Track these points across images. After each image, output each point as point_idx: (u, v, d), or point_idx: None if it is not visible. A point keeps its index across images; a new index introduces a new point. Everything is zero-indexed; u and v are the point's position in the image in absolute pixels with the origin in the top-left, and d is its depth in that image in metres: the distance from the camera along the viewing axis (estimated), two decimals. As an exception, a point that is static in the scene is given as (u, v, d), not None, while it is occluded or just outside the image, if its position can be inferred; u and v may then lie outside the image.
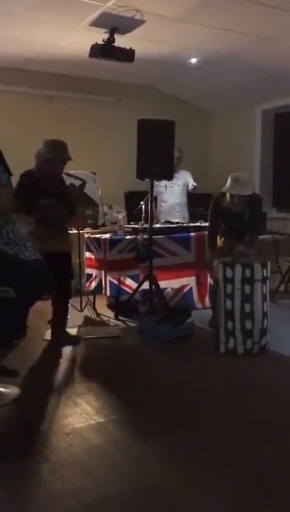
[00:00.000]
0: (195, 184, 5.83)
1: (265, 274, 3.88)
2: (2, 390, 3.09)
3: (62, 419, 2.82)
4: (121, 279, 4.98)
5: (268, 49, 4.94)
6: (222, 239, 4.42)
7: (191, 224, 5.59)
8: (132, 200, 5.77)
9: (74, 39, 4.78)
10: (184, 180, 5.86)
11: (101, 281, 5.04)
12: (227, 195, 4.19)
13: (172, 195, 5.86)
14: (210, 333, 4.16)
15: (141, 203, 5.25)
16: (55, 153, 3.82)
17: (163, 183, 5.59)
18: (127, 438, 2.63)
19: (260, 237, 5.37)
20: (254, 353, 3.84)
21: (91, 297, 5.18)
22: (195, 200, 6.01)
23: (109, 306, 5.23)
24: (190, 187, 5.85)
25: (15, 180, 3.43)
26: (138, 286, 4.84)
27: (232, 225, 4.34)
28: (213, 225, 4.46)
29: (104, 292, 5.07)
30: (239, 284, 3.80)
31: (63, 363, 3.75)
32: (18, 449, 2.46)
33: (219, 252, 4.35)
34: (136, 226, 5.16)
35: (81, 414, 2.89)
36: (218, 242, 4.44)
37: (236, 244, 4.23)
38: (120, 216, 5.17)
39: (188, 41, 4.90)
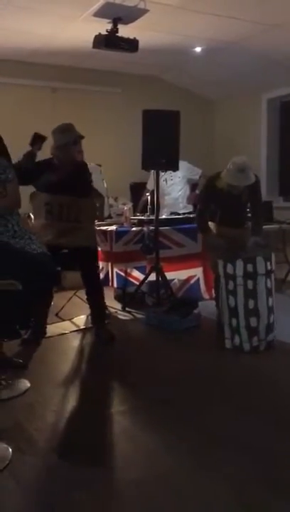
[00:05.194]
0: (196, 178, 5.76)
1: (269, 268, 3.68)
2: (11, 382, 3.11)
3: (70, 410, 2.83)
4: (128, 270, 4.97)
5: (273, 36, 4.87)
6: (215, 225, 4.29)
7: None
8: (138, 191, 5.74)
9: (77, 30, 4.75)
10: (184, 171, 5.71)
11: (108, 273, 5.02)
12: (223, 177, 4.00)
13: (173, 187, 5.81)
14: (217, 324, 4.14)
15: (147, 194, 5.22)
16: (64, 137, 3.80)
17: (163, 176, 5.52)
18: (135, 428, 2.64)
19: (267, 226, 5.32)
20: (261, 350, 3.70)
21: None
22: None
23: (117, 297, 5.23)
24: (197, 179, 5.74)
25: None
26: (145, 278, 4.84)
27: (228, 208, 4.16)
28: (204, 207, 4.28)
29: (111, 284, 5.06)
30: (241, 279, 3.61)
31: (70, 354, 3.76)
32: (27, 440, 2.48)
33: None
34: (142, 218, 5.14)
35: (89, 406, 2.90)
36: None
37: (233, 231, 4.16)
38: (126, 208, 5.14)
39: (192, 30, 4.85)
